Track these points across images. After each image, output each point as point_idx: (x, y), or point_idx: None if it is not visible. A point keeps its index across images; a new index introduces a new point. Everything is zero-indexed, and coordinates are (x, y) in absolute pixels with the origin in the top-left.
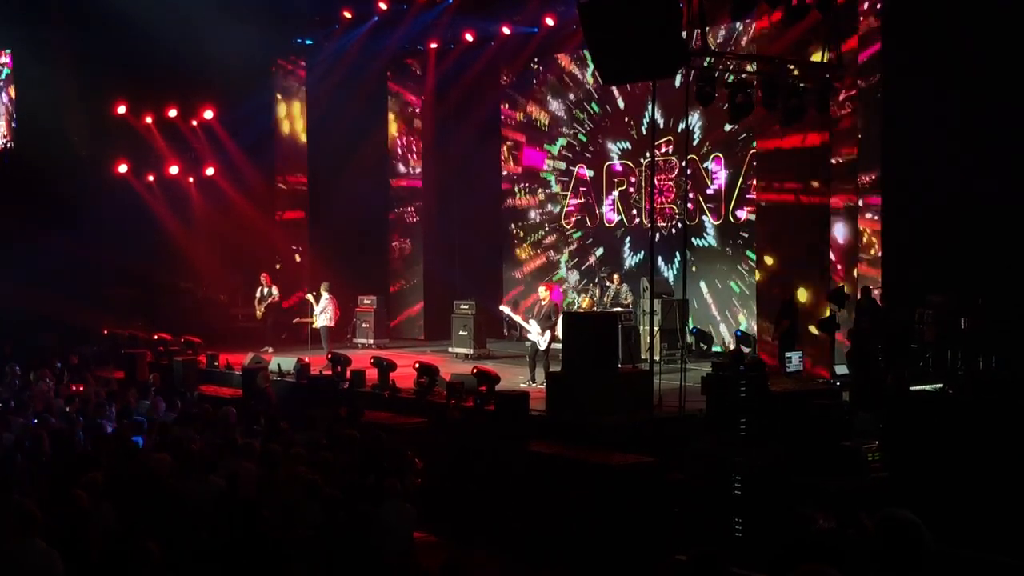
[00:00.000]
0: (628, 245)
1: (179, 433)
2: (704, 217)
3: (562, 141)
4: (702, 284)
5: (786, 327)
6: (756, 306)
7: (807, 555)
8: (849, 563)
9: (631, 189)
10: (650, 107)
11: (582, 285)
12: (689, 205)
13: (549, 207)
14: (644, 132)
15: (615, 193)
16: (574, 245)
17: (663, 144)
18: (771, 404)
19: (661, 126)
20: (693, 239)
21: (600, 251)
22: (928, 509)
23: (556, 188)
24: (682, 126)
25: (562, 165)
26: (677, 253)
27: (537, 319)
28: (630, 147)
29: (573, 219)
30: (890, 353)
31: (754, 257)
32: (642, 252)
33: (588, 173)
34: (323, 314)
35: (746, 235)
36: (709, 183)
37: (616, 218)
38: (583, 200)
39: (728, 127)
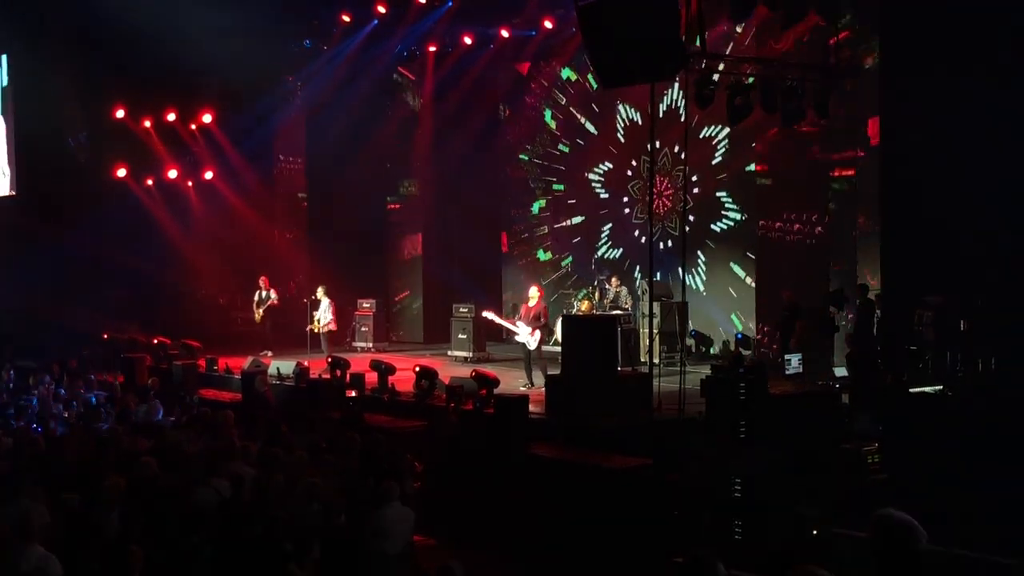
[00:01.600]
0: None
1: (178, 437)
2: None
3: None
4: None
5: (786, 328)
6: (755, 309)
7: (802, 556)
8: (844, 564)
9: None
10: (651, 110)
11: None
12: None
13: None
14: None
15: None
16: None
17: (676, 144)
18: (770, 406)
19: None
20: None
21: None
22: (928, 510)
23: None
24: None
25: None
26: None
27: (525, 320)
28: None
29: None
30: (889, 354)
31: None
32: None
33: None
34: (324, 317)
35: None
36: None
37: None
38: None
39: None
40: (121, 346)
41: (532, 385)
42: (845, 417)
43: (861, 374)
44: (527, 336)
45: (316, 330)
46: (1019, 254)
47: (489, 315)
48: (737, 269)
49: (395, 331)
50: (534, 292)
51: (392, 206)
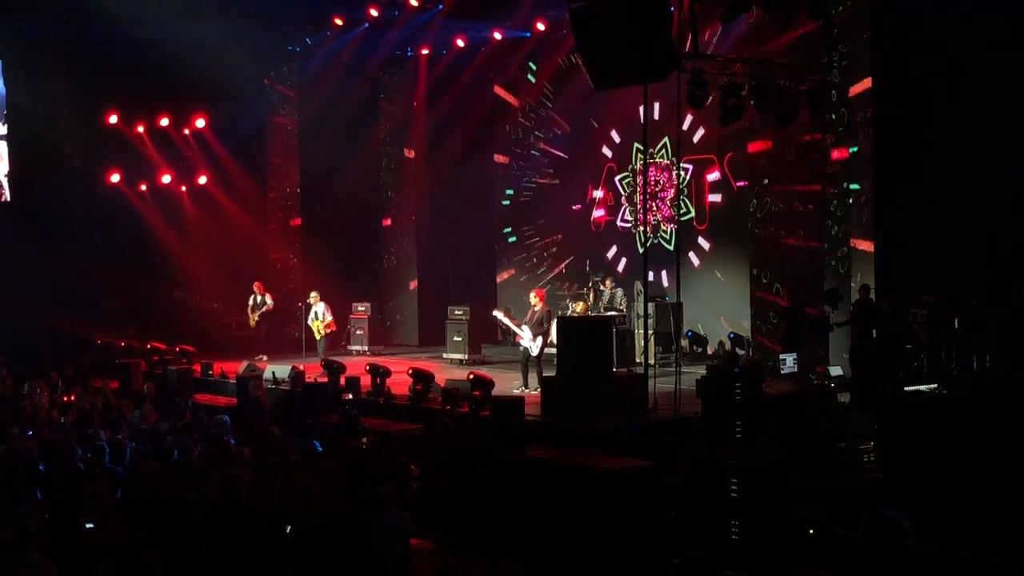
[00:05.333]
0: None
1: (176, 442)
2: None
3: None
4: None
5: (784, 329)
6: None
7: (801, 558)
8: (841, 564)
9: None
10: (644, 111)
11: (575, 289)
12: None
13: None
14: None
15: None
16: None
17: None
18: (766, 406)
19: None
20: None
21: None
22: (923, 509)
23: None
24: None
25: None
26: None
27: (529, 324)
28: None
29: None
30: (887, 353)
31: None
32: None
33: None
34: (325, 319)
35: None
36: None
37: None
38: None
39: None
40: (116, 352)
41: (527, 389)
42: (841, 416)
43: (865, 373)
44: (529, 341)
45: (319, 336)
46: (1013, 253)
47: (498, 314)
48: (733, 270)
49: (391, 334)
50: (534, 298)
51: (387, 207)
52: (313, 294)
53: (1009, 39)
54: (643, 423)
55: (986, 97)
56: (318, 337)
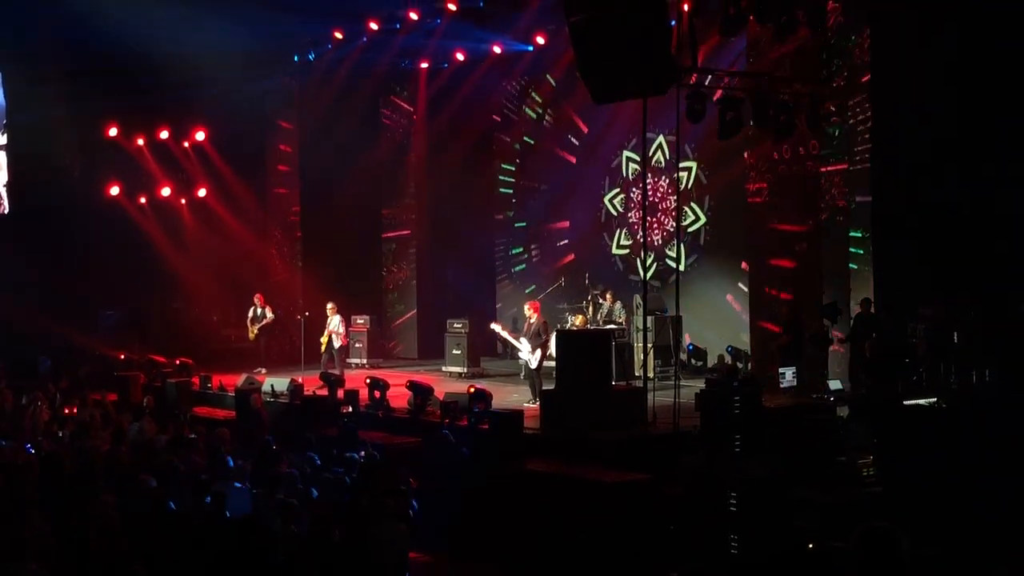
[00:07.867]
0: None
1: (173, 455)
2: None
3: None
4: None
5: (786, 343)
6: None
7: (799, 570)
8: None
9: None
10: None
11: (574, 305)
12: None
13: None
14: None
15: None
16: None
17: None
18: (765, 419)
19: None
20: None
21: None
22: (922, 523)
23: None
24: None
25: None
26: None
27: (527, 337)
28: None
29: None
30: (886, 367)
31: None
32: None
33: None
34: (336, 334)
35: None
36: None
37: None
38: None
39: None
40: (114, 364)
41: (535, 401)
42: (840, 430)
43: (864, 386)
44: (528, 354)
45: (324, 348)
46: (1011, 266)
47: (496, 328)
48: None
49: (390, 345)
50: (529, 311)
51: (386, 221)
52: (329, 305)
53: (1008, 49)
54: (641, 436)
55: (985, 109)
56: (323, 349)
